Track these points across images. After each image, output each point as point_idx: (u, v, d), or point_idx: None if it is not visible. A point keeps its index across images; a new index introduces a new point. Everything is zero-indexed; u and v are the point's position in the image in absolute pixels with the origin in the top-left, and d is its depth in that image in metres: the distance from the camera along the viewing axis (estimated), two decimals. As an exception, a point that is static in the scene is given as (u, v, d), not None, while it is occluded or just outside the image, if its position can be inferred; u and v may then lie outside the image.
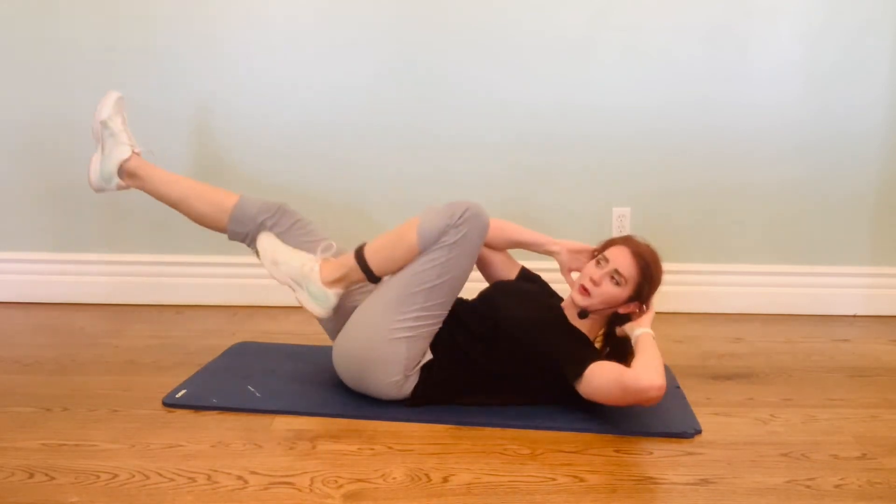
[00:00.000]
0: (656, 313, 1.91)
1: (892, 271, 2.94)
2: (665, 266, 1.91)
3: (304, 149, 2.81)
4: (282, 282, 1.88)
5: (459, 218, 1.76)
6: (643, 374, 1.65)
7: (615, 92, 2.80)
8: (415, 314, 1.79)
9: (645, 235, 1.95)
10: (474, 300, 1.98)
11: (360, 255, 1.83)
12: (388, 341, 1.79)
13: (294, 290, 1.88)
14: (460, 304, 1.94)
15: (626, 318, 1.88)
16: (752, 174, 2.86)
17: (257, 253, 1.93)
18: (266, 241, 1.91)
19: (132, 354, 2.27)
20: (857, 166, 2.86)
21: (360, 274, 1.83)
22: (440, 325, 1.84)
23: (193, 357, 2.23)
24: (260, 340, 2.41)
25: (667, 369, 2.18)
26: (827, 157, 2.85)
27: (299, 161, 2.81)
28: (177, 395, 1.89)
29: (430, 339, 1.83)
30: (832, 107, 2.82)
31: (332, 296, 1.84)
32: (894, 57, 2.79)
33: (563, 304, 1.96)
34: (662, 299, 1.94)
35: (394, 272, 1.83)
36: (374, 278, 1.84)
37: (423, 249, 1.78)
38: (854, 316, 2.93)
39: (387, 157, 2.82)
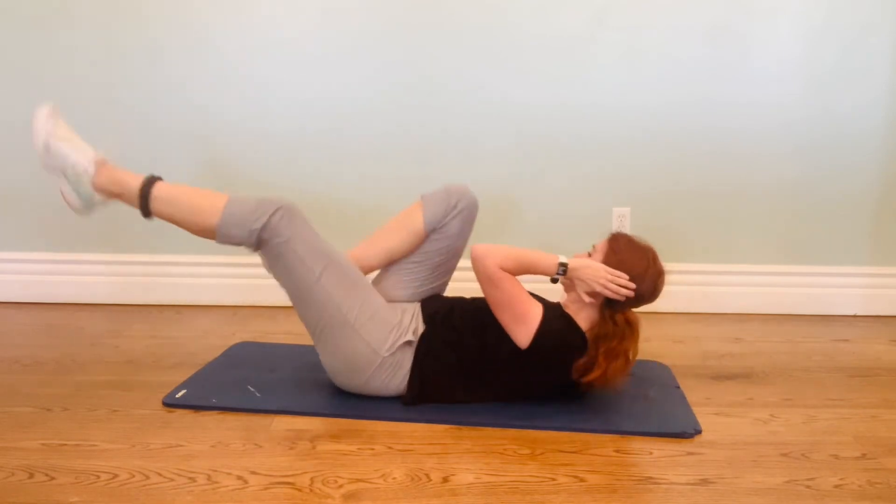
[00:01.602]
0: (658, 313, 1.91)
1: (892, 271, 2.94)
2: (665, 266, 1.90)
3: (302, 152, 2.81)
4: (49, 170, 1.81)
5: (269, 218, 1.77)
6: (487, 245, 1.79)
7: (615, 92, 2.80)
8: (335, 306, 1.80)
9: (645, 235, 1.95)
10: (475, 299, 1.99)
11: (146, 192, 1.82)
12: (344, 340, 1.81)
13: (58, 179, 1.83)
14: (459, 302, 1.95)
15: (619, 305, 1.86)
16: (752, 174, 2.86)
17: (32, 132, 1.81)
18: (43, 117, 1.81)
19: (132, 354, 2.27)
20: (857, 166, 2.86)
21: (136, 202, 1.82)
22: (374, 300, 1.85)
23: (193, 357, 2.23)
24: (260, 340, 2.41)
25: (667, 369, 2.19)
26: (827, 157, 2.85)
27: (298, 164, 2.80)
28: (177, 395, 1.89)
29: (379, 315, 1.83)
30: (832, 107, 2.82)
31: (99, 201, 1.84)
32: (894, 57, 2.79)
33: (562, 303, 1.96)
34: (663, 299, 1.93)
35: (169, 221, 1.83)
36: (148, 216, 1.84)
37: (220, 235, 1.79)
38: (854, 316, 2.93)
39: (387, 158, 2.82)
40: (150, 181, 1.84)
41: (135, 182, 1.84)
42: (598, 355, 1.81)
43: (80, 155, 1.84)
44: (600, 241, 1.93)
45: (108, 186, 1.85)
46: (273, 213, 1.78)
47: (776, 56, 2.79)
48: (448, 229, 1.98)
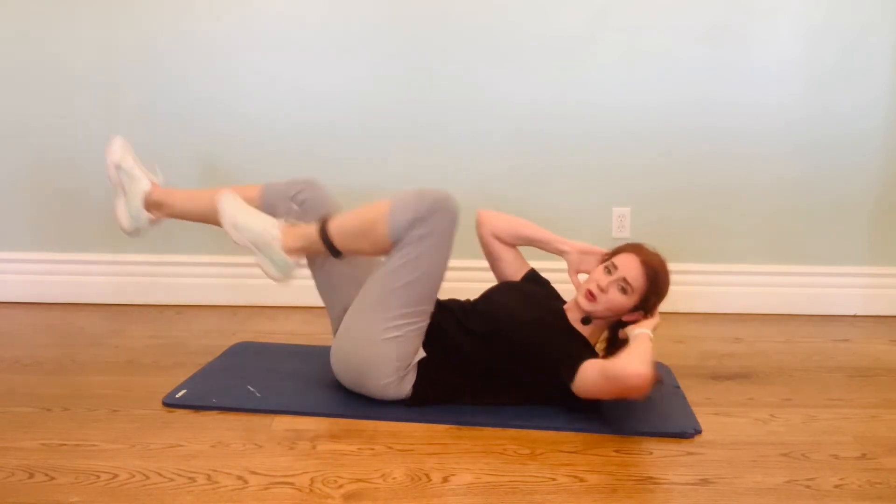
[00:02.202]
0: (659, 313, 1.91)
1: (892, 271, 2.94)
2: (669, 270, 1.90)
3: (305, 149, 2.81)
4: (242, 245, 1.85)
5: (427, 211, 1.73)
6: (627, 362, 1.64)
7: (615, 92, 2.80)
8: (397, 313, 1.78)
9: (645, 235, 1.96)
10: (475, 300, 1.98)
11: (323, 231, 1.80)
12: (377, 343, 1.78)
13: (254, 254, 1.86)
14: (459, 303, 1.95)
15: (630, 324, 1.88)
16: (752, 174, 2.86)
17: (219, 213, 1.87)
18: (228, 201, 1.87)
19: (132, 354, 2.27)
20: (857, 166, 2.86)
21: (322, 248, 1.82)
22: (427, 322, 1.84)
23: (193, 357, 2.23)
24: (260, 340, 2.41)
25: (667, 369, 2.19)
26: (827, 157, 2.86)
27: (300, 162, 2.80)
28: (177, 395, 1.89)
29: (419, 338, 1.83)
30: (832, 107, 2.82)
31: (292, 264, 1.85)
32: (894, 57, 2.79)
33: (565, 307, 1.95)
34: (664, 302, 1.93)
35: (358, 254, 1.83)
36: (337, 255, 1.82)
37: (393, 241, 1.76)
38: (854, 316, 2.93)
39: (388, 157, 2.82)
40: (324, 220, 1.81)
41: (313, 229, 1.81)
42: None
43: (267, 225, 1.87)
44: (624, 258, 1.86)
45: (295, 244, 1.83)
46: (434, 202, 1.74)
47: (776, 56, 2.79)
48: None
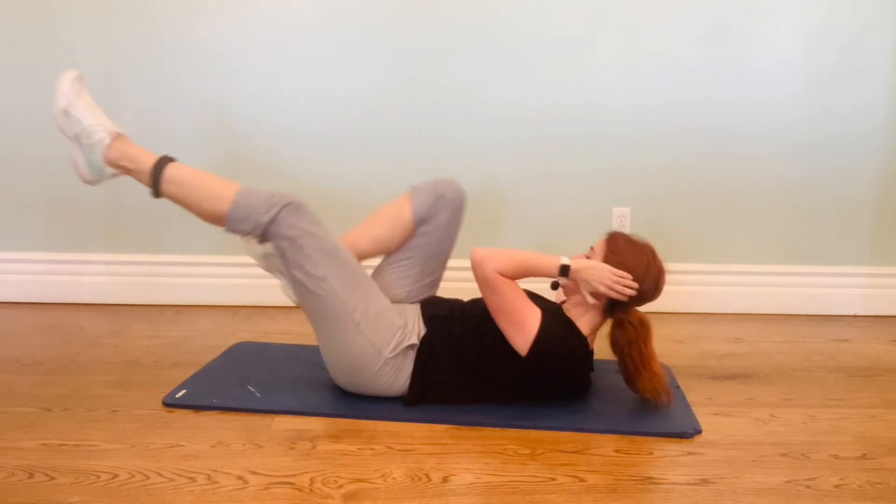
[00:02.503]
0: (658, 313, 1.91)
1: (892, 271, 2.94)
2: (665, 266, 1.90)
3: (305, 151, 2.81)
4: (64, 133, 1.81)
5: (275, 212, 1.76)
6: (486, 248, 1.78)
7: (615, 92, 2.80)
8: (343, 310, 1.79)
9: (645, 235, 1.95)
10: (474, 300, 1.99)
11: (158, 171, 1.79)
12: (347, 342, 1.80)
13: (71, 143, 1.81)
14: (457, 303, 1.96)
15: (621, 306, 1.86)
16: (752, 174, 2.86)
17: (55, 92, 1.80)
18: (68, 82, 1.79)
19: (132, 354, 2.27)
20: (857, 166, 2.86)
21: (146, 180, 1.80)
22: (381, 300, 1.85)
23: (193, 357, 2.23)
24: (260, 340, 2.41)
25: (667, 369, 2.19)
26: (827, 157, 2.86)
27: (299, 162, 2.81)
28: (177, 395, 1.89)
29: (381, 319, 1.82)
30: (832, 107, 2.82)
31: (108, 174, 1.82)
32: (894, 57, 2.79)
33: (563, 307, 1.96)
34: (663, 299, 1.93)
35: (177, 204, 1.82)
36: (157, 195, 1.81)
37: (228, 223, 1.78)
38: (854, 316, 2.93)
39: (387, 158, 2.82)
40: (164, 161, 1.82)
41: (148, 160, 1.81)
42: (634, 361, 1.83)
43: (98, 125, 1.81)
44: (597, 241, 1.92)
45: (121, 161, 1.81)
46: (283, 208, 1.78)
47: (776, 56, 2.79)
48: (437, 221, 1.99)
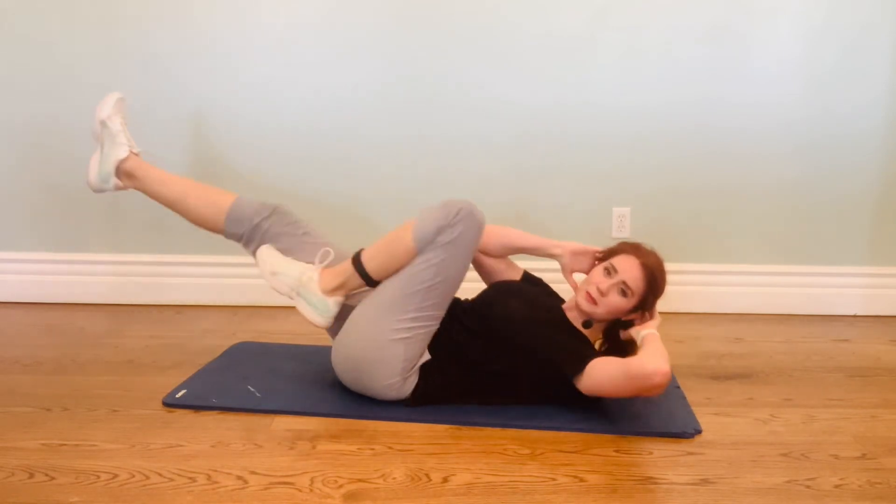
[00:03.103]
0: (658, 313, 1.91)
1: (892, 271, 2.94)
2: (666, 267, 1.90)
3: (304, 151, 2.81)
4: (281, 292, 1.89)
5: (454, 217, 1.76)
6: (648, 360, 1.66)
7: (615, 92, 2.80)
8: (412, 315, 1.79)
9: (645, 235, 1.96)
10: (473, 299, 1.98)
11: (357, 260, 1.83)
12: (386, 343, 1.78)
13: (293, 300, 1.88)
14: (458, 303, 1.95)
15: (630, 322, 1.88)
16: (752, 174, 2.86)
17: (257, 262, 1.93)
18: (265, 252, 1.91)
19: (132, 354, 2.27)
20: (857, 166, 2.86)
21: (358, 280, 1.83)
22: (437, 327, 1.84)
23: (193, 357, 2.23)
24: (260, 340, 2.41)
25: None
26: (827, 157, 2.86)
27: (298, 164, 2.81)
28: (177, 395, 1.89)
29: (427, 341, 1.83)
30: (832, 107, 2.82)
31: (332, 304, 1.85)
32: (894, 57, 2.79)
33: (563, 306, 1.95)
34: (663, 299, 1.93)
35: (391, 273, 1.82)
36: (372, 283, 1.84)
37: (419, 250, 1.78)
38: (854, 316, 2.93)
39: (387, 158, 2.82)
40: (357, 255, 1.85)
41: (348, 265, 1.84)
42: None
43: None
44: (625, 259, 1.86)
45: (332, 283, 1.85)
46: (457, 213, 1.76)
47: (776, 56, 2.79)
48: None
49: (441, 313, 1.84)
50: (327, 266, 1.88)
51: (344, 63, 2.77)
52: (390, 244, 1.82)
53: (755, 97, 2.81)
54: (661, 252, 1.92)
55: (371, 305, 1.82)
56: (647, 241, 1.94)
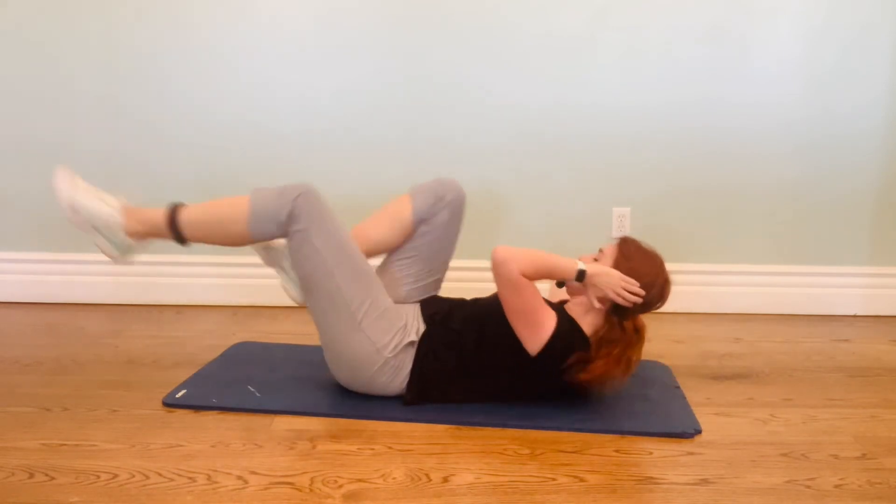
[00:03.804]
0: (658, 313, 1.91)
1: (892, 271, 2.94)
2: (666, 266, 1.90)
3: (304, 151, 2.81)
4: (79, 227, 1.83)
5: (292, 206, 1.77)
6: (506, 247, 1.75)
7: (615, 92, 2.80)
8: (348, 308, 1.80)
9: (645, 236, 1.96)
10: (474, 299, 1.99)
11: (172, 220, 1.81)
12: (348, 337, 1.81)
13: (92, 235, 1.84)
14: (458, 302, 1.96)
15: (626, 311, 1.87)
16: (752, 174, 2.86)
17: (55, 191, 1.81)
18: (63, 178, 1.81)
19: (132, 354, 2.27)
20: (857, 166, 2.86)
21: (168, 234, 1.83)
22: (385, 300, 1.85)
23: (193, 357, 2.23)
24: (260, 340, 2.41)
25: (667, 369, 2.19)
26: (827, 157, 2.86)
27: (299, 163, 2.81)
28: (177, 395, 1.89)
29: (384, 319, 1.83)
30: (832, 107, 2.82)
31: (134, 245, 1.85)
32: (894, 57, 2.79)
33: (565, 307, 1.95)
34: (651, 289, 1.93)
35: (210, 244, 1.84)
36: (183, 243, 1.84)
37: (254, 236, 1.80)
38: (854, 316, 2.93)
39: (387, 158, 2.82)
40: (174, 209, 1.84)
41: (160, 215, 1.84)
42: (598, 357, 1.80)
43: (106, 206, 1.84)
44: (607, 244, 1.93)
45: (139, 228, 1.84)
46: (295, 199, 1.78)
47: (776, 56, 2.79)
48: (437, 220, 1.99)
49: (369, 286, 1.83)
50: (133, 207, 1.85)
51: (343, 63, 2.77)
52: (220, 220, 1.81)
53: (755, 97, 2.81)
54: (662, 252, 1.91)
55: (316, 315, 1.86)
56: (647, 241, 1.94)
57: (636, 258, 1.86)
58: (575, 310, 1.89)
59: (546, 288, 2.10)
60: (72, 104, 2.76)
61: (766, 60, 2.79)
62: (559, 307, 1.89)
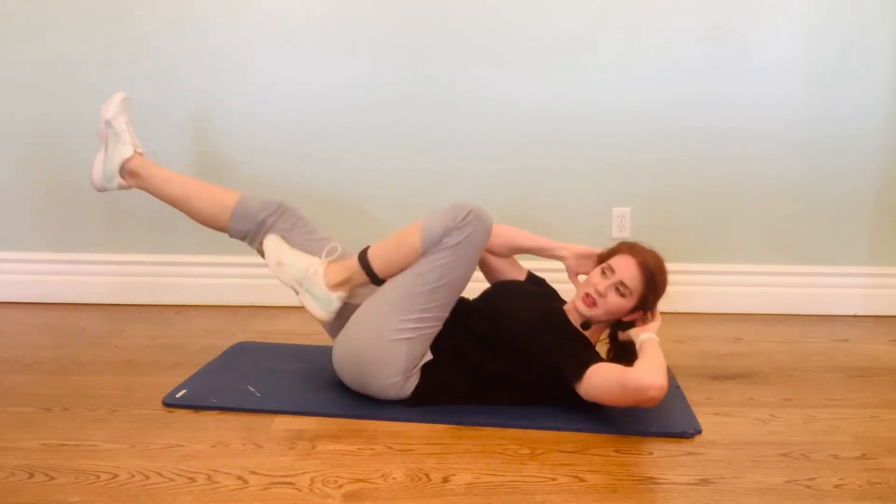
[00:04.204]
0: (659, 313, 1.91)
1: (892, 271, 2.94)
2: (666, 266, 1.90)
3: (305, 150, 2.81)
4: (286, 283, 1.89)
5: (462, 220, 1.76)
6: (644, 372, 1.65)
7: (615, 92, 2.80)
8: (416, 316, 1.79)
9: (645, 235, 1.96)
10: (476, 299, 1.98)
11: (363, 257, 1.83)
12: (389, 343, 1.78)
13: (297, 293, 1.88)
14: (461, 302, 1.95)
15: (631, 323, 1.88)
16: (752, 174, 2.86)
17: (262, 254, 1.94)
18: (272, 242, 1.91)
19: (132, 354, 2.27)
20: (857, 166, 2.86)
21: (363, 277, 1.84)
22: (440, 328, 1.84)
23: (193, 357, 2.23)
24: (260, 340, 2.41)
25: (667, 370, 2.19)
26: (827, 157, 2.86)
27: (299, 162, 2.81)
28: (177, 395, 1.89)
29: (429, 342, 1.83)
30: (832, 107, 2.82)
31: (335, 299, 1.85)
32: (894, 57, 2.79)
33: (565, 308, 1.95)
34: (662, 299, 1.93)
35: (396, 272, 1.82)
36: (377, 281, 1.84)
37: (425, 251, 1.78)
38: (854, 316, 2.93)
39: (387, 157, 2.82)
40: (363, 253, 1.86)
41: (354, 263, 1.86)
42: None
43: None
44: (622, 258, 1.86)
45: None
46: (467, 215, 1.77)
47: (776, 56, 2.79)
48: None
49: (445, 314, 1.84)
50: (333, 261, 1.88)
51: (344, 63, 2.77)
52: (397, 243, 1.82)
53: (755, 97, 2.81)
54: (662, 252, 1.91)
55: (375, 305, 1.82)
56: (648, 242, 1.94)
57: (661, 288, 1.87)
58: (573, 314, 1.92)
59: (552, 287, 2.10)
60: (73, 103, 2.76)
61: (766, 60, 2.79)
62: (570, 326, 1.88)
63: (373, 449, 1.64)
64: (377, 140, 2.81)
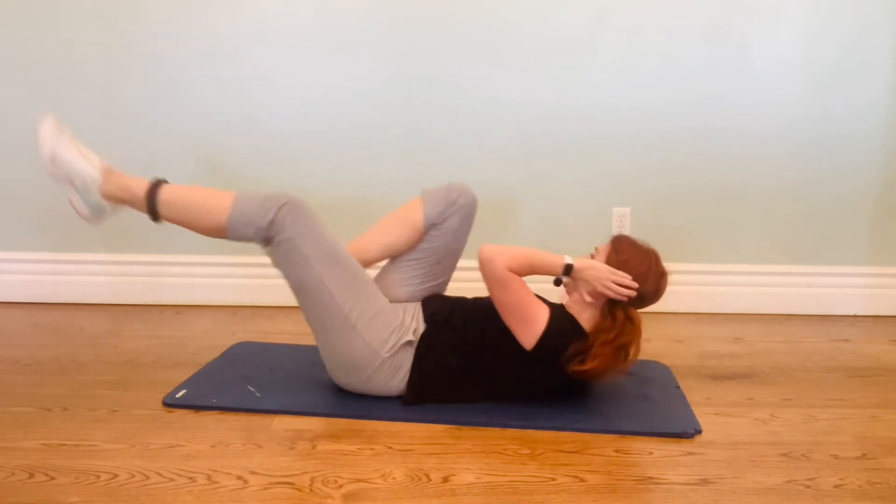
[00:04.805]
0: (658, 313, 1.91)
1: (892, 271, 2.94)
2: (666, 266, 1.90)
3: (304, 151, 2.81)
4: (57, 179, 1.82)
5: (273, 215, 1.77)
6: (491, 247, 1.78)
7: (615, 92, 2.80)
8: (340, 310, 1.80)
9: (645, 235, 1.95)
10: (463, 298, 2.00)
11: (152, 194, 1.82)
12: (344, 339, 1.81)
13: (67, 189, 1.83)
14: (459, 300, 1.96)
15: (620, 306, 1.85)
16: (752, 174, 2.86)
17: (38, 141, 1.80)
18: (48, 128, 1.79)
19: (132, 354, 2.27)
20: (857, 166, 2.86)
21: (143, 206, 1.83)
22: (380, 299, 1.85)
23: (193, 357, 2.23)
24: (260, 340, 2.41)
25: (667, 369, 2.19)
26: (827, 157, 2.86)
27: (298, 162, 2.81)
28: (177, 395, 1.89)
29: (378, 318, 1.83)
30: (832, 107, 2.82)
31: (107, 208, 1.84)
32: (894, 57, 2.79)
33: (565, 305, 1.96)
34: (663, 299, 1.93)
35: (181, 226, 1.84)
36: (157, 219, 1.84)
37: (229, 232, 1.80)
38: (854, 316, 2.93)
39: (387, 158, 2.82)
40: (156, 185, 1.84)
41: (141, 187, 1.84)
42: (593, 346, 1.80)
43: (87, 164, 1.84)
44: (602, 243, 1.93)
45: (116, 193, 1.86)
46: (279, 209, 1.78)
47: (776, 56, 2.79)
48: (447, 225, 1.99)
49: (361, 287, 1.83)
50: (115, 170, 1.84)
51: (342, 63, 2.77)
52: (198, 210, 1.81)
53: (755, 97, 2.81)
54: (662, 252, 1.91)
55: (309, 319, 1.87)
56: (647, 241, 1.94)
57: (627, 252, 1.87)
58: (574, 308, 1.90)
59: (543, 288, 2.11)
60: (73, 103, 2.76)
61: (766, 60, 2.79)
62: (555, 305, 1.89)
63: (373, 449, 1.64)
64: (376, 140, 2.81)
